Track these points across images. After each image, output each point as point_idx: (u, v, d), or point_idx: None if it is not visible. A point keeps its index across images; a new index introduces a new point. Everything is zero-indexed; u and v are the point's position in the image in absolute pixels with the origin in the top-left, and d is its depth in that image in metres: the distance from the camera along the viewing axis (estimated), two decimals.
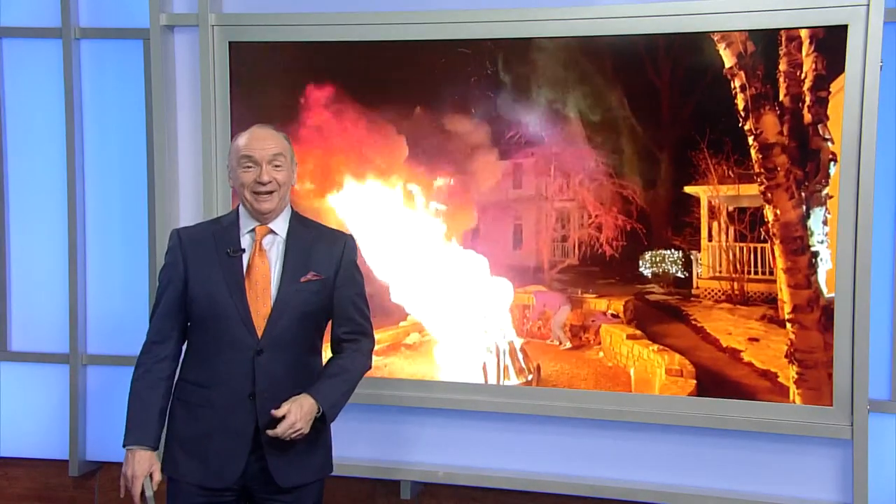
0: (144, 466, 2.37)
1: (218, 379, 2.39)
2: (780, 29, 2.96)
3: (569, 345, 3.26)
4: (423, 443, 3.38)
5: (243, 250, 2.43)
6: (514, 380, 3.30)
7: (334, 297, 2.48)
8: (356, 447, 3.38)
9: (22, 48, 3.62)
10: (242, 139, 2.44)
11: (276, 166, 2.41)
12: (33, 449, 3.74)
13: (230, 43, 3.34)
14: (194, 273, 2.43)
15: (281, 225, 2.47)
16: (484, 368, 3.32)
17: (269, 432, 2.31)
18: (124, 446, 2.40)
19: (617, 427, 3.22)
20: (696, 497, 3.16)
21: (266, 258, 2.43)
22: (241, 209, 2.48)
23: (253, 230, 2.45)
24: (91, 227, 3.64)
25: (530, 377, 3.28)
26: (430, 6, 3.24)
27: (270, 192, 2.40)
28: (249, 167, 2.40)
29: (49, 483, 3.76)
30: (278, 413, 2.31)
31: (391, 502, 3.47)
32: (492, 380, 3.31)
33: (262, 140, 2.43)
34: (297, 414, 2.31)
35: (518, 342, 3.30)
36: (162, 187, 3.41)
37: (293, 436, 2.32)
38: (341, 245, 2.51)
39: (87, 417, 3.67)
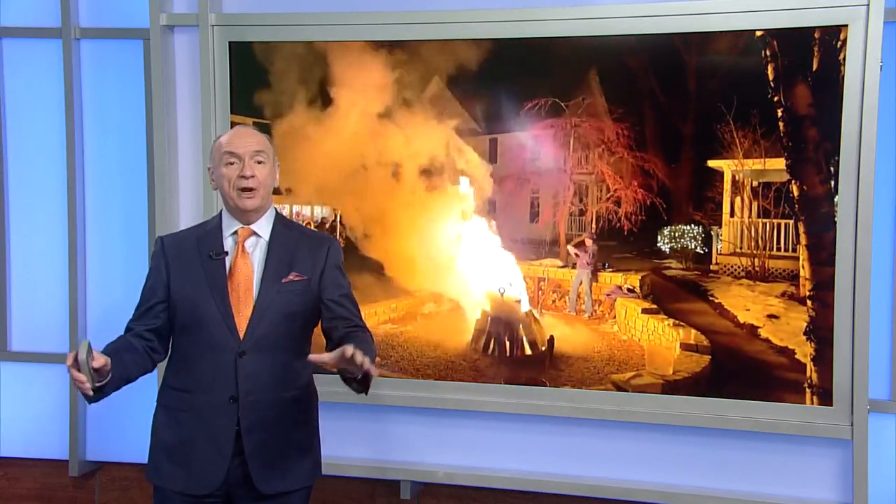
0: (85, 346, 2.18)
1: (201, 383, 2.38)
2: (780, 29, 2.95)
3: (585, 312, 3.24)
4: (423, 443, 3.38)
5: (226, 253, 2.42)
6: (527, 351, 3.28)
7: (322, 301, 2.45)
8: (357, 447, 3.38)
9: (22, 48, 3.62)
10: (224, 137, 2.46)
11: (259, 162, 2.41)
12: (33, 449, 3.73)
13: (230, 43, 3.34)
14: (176, 278, 2.42)
15: (264, 227, 2.46)
16: (497, 340, 3.30)
17: (349, 349, 2.13)
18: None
19: (617, 427, 3.22)
20: (696, 497, 3.16)
21: (249, 260, 2.42)
22: (224, 212, 2.48)
23: (235, 233, 2.44)
24: (91, 227, 3.64)
25: (543, 349, 3.27)
26: (430, 6, 3.24)
27: (254, 189, 2.39)
28: (232, 163, 2.40)
29: (49, 483, 3.75)
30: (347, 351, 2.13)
31: (391, 502, 3.47)
32: (504, 351, 3.29)
33: (244, 137, 2.44)
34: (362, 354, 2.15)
35: (532, 314, 3.30)
36: (162, 187, 3.41)
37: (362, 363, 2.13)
38: (325, 247, 2.49)
39: (87, 417, 3.66)
